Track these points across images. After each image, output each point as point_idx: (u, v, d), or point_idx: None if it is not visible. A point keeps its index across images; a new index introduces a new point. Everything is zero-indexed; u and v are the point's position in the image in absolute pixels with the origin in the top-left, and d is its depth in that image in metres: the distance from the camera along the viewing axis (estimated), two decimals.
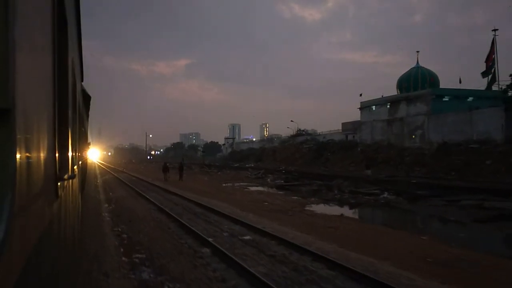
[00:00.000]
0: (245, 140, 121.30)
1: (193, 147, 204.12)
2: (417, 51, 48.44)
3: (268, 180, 32.47)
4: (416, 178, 28.31)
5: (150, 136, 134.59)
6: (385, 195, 20.52)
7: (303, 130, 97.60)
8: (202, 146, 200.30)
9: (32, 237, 1.07)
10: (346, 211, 16.99)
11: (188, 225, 11.50)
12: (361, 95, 49.94)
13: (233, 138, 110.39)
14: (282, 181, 30.91)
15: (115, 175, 42.83)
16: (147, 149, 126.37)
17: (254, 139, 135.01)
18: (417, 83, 43.65)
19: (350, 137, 60.17)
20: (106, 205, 18.27)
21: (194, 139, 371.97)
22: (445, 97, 38.46)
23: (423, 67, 46.12)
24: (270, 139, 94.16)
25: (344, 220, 13.97)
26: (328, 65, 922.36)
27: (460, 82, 41.31)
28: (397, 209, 17.74)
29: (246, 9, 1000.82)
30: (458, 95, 38.28)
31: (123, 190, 24.88)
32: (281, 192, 23.46)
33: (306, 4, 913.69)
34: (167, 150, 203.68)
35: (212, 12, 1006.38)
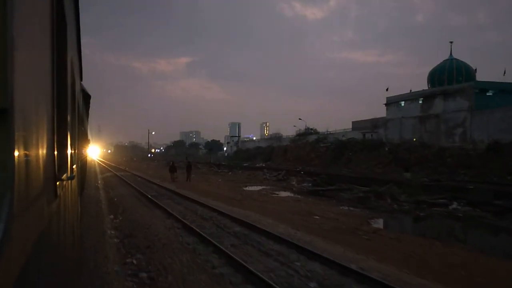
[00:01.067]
0: (245, 139, 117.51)
1: (195, 145, 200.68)
2: (451, 42, 44.16)
3: (293, 183, 28.53)
4: (465, 183, 24.38)
5: (153, 133, 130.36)
6: (455, 205, 16.64)
7: (311, 129, 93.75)
8: (204, 144, 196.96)
9: (31, 236, 1.07)
10: (430, 230, 13.01)
11: (242, 261, 7.54)
12: (387, 89, 45.97)
13: (238, 136, 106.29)
14: (310, 185, 27.00)
15: (118, 174, 38.88)
16: (149, 147, 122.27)
17: (254, 138, 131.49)
18: (451, 76, 39.62)
19: (368, 136, 56.29)
20: (111, 216, 14.34)
21: (194, 137, 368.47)
22: (489, 91, 34.45)
23: (457, 59, 41.99)
24: (278, 137, 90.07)
25: (453, 249, 9.99)
26: (329, 64, 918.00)
27: (504, 74, 37.13)
28: (489, 226, 13.87)
29: (248, 7, 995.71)
30: (504, 89, 34.26)
31: (130, 195, 20.93)
32: (319, 200, 19.53)
33: (307, 3, 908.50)
34: (168, 148, 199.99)
35: (213, 10, 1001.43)
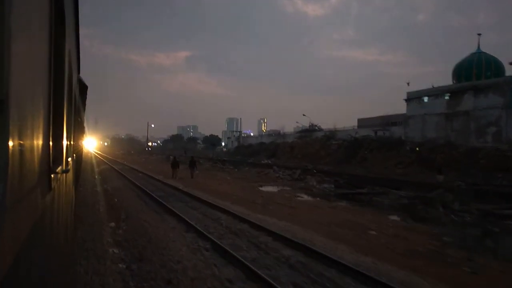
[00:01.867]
0: (243, 134, 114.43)
1: (193, 140, 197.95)
2: (479, 34, 41.11)
3: (313, 183, 25.57)
4: (509, 188, 21.57)
5: (153, 126, 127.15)
6: None
7: (315, 125, 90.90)
8: (202, 139, 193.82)
9: (23, 229, 1.07)
10: None
11: None
12: (408, 83, 42.94)
13: (240, 132, 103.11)
14: (333, 187, 24.08)
15: (116, 168, 35.82)
16: (149, 140, 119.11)
17: (252, 134, 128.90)
18: (480, 70, 36.73)
19: (379, 134, 53.50)
20: (112, 224, 11.40)
21: (192, 131, 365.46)
22: None
23: (485, 52, 39.05)
24: (282, 134, 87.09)
25: None
26: (329, 62, 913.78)
27: None
28: None
29: (249, 2, 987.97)
30: None
31: (133, 194, 17.92)
32: (356, 206, 16.58)
33: (309, 0, 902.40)
34: (166, 142, 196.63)
35: (214, 5, 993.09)
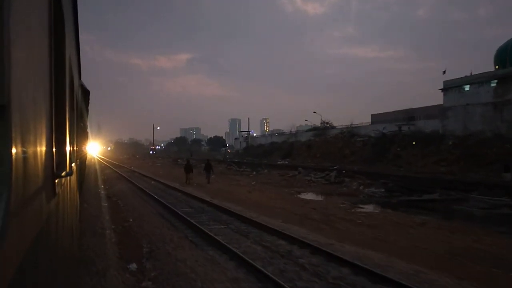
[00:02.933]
0: (245, 134, 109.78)
1: (197, 142, 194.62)
2: None
3: (359, 188, 21.70)
4: None
5: (158, 128, 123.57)
6: None
7: (327, 123, 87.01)
8: (206, 141, 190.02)
9: (28, 234, 1.06)
10: None
11: None
12: (444, 72, 38.84)
13: (248, 132, 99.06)
14: (383, 191, 20.26)
15: (124, 175, 32.03)
16: (152, 143, 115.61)
17: (255, 134, 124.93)
18: None
19: (404, 128, 49.56)
20: (134, 265, 7.61)
21: (195, 133, 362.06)
22: None
23: None
24: (294, 132, 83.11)
25: None
26: (330, 60, 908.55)
27: None
28: None
29: (248, 3, 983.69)
30: None
31: (151, 211, 14.08)
32: (448, 222, 12.64)
33: None
34: (169, 145, 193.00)
35: (213, 6, 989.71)
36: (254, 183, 26.27)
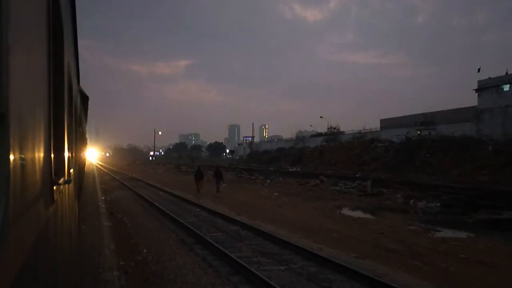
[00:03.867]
0: (245, 141, 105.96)
1: (197, 148, 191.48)
2: None
3: (411, 202, 18.36)
4: None
5: (160, 133, 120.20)
6: None
7: (334, 128, 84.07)
8: (206, 147, 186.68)
9: (27, 241, 1.06)
10: None
11: None
12: (479, 70, 35.70)
13: (252, 137, 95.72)
14: (438, 205, 16.98)
15: (127, 184, 28.66)
16: (153, 148, 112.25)
17: (246, 141, 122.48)
18: None
19: (424, 133, 46.48)
20: None
21: (194, 139, 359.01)
22: None
23: None
24: (300, 137, 79.97)
25: None
26: (329, 66, 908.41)
27: None
28: None
29: (247, 9, 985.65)
30: None
31: (171, 238, 10.69)
32: None
33: (308, 5, 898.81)
34: (169, 150, 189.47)
35: (212, 13, 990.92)
36: (277, 194, 22.93)
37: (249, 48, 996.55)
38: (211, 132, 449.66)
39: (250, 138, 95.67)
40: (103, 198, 21.63)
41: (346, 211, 16.17)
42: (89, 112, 13.65)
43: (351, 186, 24.02)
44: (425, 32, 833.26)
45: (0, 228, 0.74)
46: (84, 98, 9.10)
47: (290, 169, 47.58)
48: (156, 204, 16.69)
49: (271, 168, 50.76)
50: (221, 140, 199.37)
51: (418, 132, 47.77)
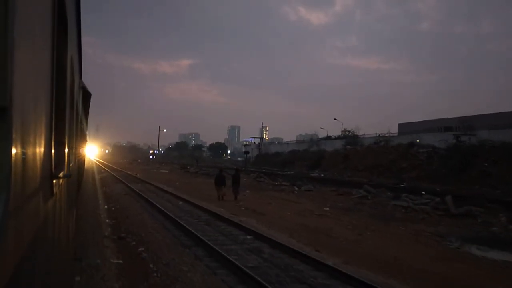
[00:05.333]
0: (245, 143, 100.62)
1: (198, 148, 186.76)
2: None
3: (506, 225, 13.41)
4: None
5: (165, 130, 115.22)
6: None
7: (349, 131, 79.04)
8: (208, 147, 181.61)
9: (26, 234, 1.06)
10: None
11: None
12: None
13: (261, 138, 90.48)
14: None
15: (134, 188, 23.63)
16: (157, 146, 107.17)
17: (254, 142, 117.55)
18: None
19: (464, 139, 41.53)
20: None
21: (194, 139, 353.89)
22: None
23: None
24: (315, 140, 74.86)
25: None
26: (331, 70, 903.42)
27: None
28: None
29: (251, 10, 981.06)
30: None
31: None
32: None
33: (312, 8, 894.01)
34: (170, 149, 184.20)
35: (216, 13, 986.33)
36: (328, 209, 17.93)
37: (252, 49, 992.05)
38: (211, 132, 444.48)
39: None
40: (106, 207, 16.65)
41: (458, 244, 11.14)
42: (90, 108, 12.99)
43: (421, 201, 18.99)
44: (429, 38, 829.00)
45: (1, 219, 0.74)
46: (87, 95, 8.84)
47: (311, 174, 42.64)
48: (182, 223, 11.69)
49: (288, 172, 45.81)
50: (221, 140, 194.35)
51: (456, 138, 42.77)
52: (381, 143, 46.22)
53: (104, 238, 10.55)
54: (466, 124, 44.58)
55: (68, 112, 2.75)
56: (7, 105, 0.78)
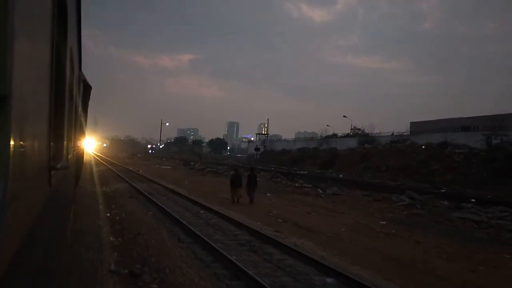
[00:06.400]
0: (243, 139, 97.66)
1: (198, 143, 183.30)
2: None
3: None
4: None
5: (167, 124, 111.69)
6: None
7: (358, 129, 75.56)
8: (207, 142, 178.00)
9: (23, 224, 1.06)
10: None
11: None
12: None
13: (267, 134, 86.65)
14: None
15: (139, 189, 20.06)
16: (160, 141, 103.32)
17: (252, 138, 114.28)
18: None
19: (495, 140, 38.13)
20: None
21: (192, 134, 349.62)
22: None
23: None
24: (326, 137, 71.27)
25: None
26: (332, 68, 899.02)
27: None
28: None
29: (254, 7, 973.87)
30: None
31: None
32: None
33: (315, 5, 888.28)
34: (169, 144, 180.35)
35: (219, 8, 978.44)
36: (383, 222, 14.43)
37: (253, 45, 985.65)
38: (210, 128, 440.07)
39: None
40: (108, 215, 13.15)
41: None
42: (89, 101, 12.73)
43: (490, 214, 15.51)
44: (431, 39, 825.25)
45: None
46: (87, 87, 8.67)
47: (328, 174, 39.13)
48: (219, 249, 8.16)
49: (302, 171, 42.29)
50: (219, 136, 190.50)
51: (488, 139, 39.28)
52: (407, 142, 42.67)
53: (109, 274, 7.03)
54: (496, 123, 41.03)
55: (68, 104, 2.73)
56: (6, 94, 0.77)
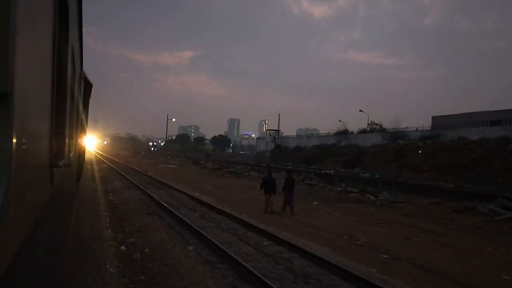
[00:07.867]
0: (244, 136, 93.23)
1: (200, 140, 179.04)
2: None
3: None
4: None
5: (173, 120, 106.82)
6: None
7: (376, 124, 70.78)
8: (210, 139, 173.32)
9: (26, 222, 1.07)
10: None
11: None
12: None
13: (277, 130, 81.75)
14: None
15: (154, 197, 15.34)
16: (166, 137, 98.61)
17: (253, 135, 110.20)
18: None
19: None
20: None
21: (193, 132, 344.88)
22: None
23: None
24: (344, 133, 66.46)
25: None
26: (333, 64, 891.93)
27: None
28: None
29: (255, 3, 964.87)
30: None
31: None
32: None
33: (315, 1, 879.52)
34: (170, 141, 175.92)
35: (220, 5, 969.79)
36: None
37: (254, 42, 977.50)
38: (211, 125, 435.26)
39: (275, 131, 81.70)
40: (123, 248, 8.46)
41: None
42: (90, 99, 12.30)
43: None
44: (432, 34, 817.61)
45: (1, 207, 0.74)
46: (88, 85, 8.58)
47: (362, 174, 34.46)
48: None
49: (327, 172, 37.57)
50: (220, 133, 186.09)
51: None
52: (455, 139, 37.84)
53: None
54: None
55: (69, 102, 2.70)
56: (8, 92, 0.77)
